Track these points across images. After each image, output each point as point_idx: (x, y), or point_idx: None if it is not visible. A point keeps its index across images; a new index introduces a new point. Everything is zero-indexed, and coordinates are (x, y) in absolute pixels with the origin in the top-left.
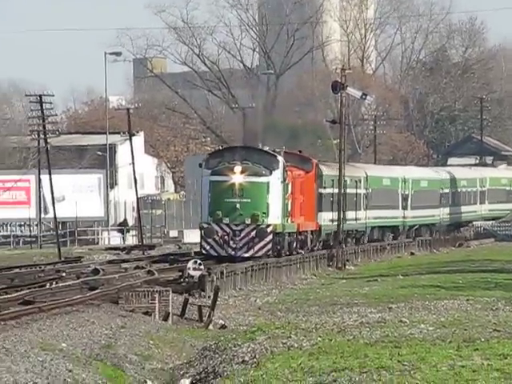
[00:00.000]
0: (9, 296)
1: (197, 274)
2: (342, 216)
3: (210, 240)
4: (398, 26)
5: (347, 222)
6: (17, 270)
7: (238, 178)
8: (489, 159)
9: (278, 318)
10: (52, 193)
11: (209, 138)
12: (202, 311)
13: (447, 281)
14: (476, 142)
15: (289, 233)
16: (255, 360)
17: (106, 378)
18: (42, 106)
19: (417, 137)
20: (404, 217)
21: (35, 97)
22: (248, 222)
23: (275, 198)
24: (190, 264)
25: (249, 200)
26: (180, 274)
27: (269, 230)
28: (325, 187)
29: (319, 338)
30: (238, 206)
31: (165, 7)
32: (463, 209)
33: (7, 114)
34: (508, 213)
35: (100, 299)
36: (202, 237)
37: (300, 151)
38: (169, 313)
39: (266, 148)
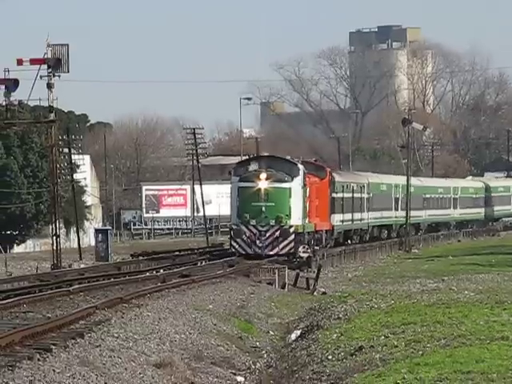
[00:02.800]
0: (172, 271)
1: (305, 255)
2: (407, 214)
3: (238, 240)
4: (449, 78)
5: (354, 222)
6: (177, 253)
7: (263, 183)
8: None
9: (363, 287)
10: (202, 198)
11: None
12: (308, 282)
13: (484, 260)
14: (504, 161)
15: (308, 232)
16: (347, 317)
17: (240, 329)
18: (195, 137)
19: (462, 158)
20: (396, 217)
21: (190, 129)
22: (272, 223)
23: (296, 201)
24: (300, 248)
25: (273, 204)
26: (293, 255)
27: (291, 230)
28: (336, 192)
29: (392, 301)
30: (263, 209)
31: (283, 65)
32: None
33: (171, 141)
34: None
35: (236, 273)
36: (231, 237)
37: (316, 160)
38: (285, 283)
39: (288, 157)
